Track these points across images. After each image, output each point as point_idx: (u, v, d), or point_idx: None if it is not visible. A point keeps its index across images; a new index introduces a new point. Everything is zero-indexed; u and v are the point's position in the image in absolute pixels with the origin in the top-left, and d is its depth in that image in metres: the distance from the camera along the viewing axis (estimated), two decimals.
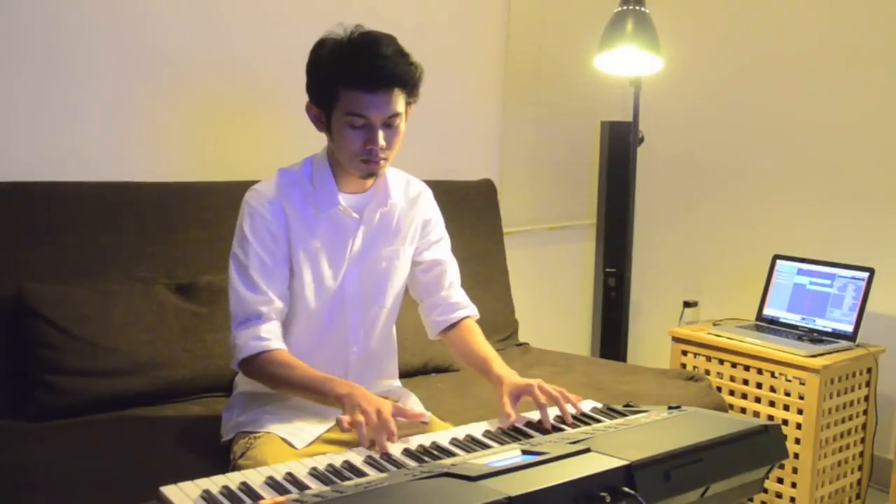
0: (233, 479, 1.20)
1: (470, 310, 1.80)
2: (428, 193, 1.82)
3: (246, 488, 1.18)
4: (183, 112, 2.37)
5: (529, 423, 1.52)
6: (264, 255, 1.60)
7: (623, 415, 1.52)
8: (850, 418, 2.61)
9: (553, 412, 1.56)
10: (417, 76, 1.57)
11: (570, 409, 1.52)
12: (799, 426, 2.49)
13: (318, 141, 1.69)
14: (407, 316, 1.86)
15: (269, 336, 1.57)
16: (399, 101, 1.56)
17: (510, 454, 1.23)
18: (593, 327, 3.24)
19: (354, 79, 1.51)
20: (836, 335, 2.63)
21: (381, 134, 1.54)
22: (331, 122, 1.57)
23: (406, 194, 1.76)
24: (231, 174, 2.29)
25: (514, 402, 1.54)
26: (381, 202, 1.69)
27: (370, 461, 1.31)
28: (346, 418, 1.39)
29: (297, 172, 1.67)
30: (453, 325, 1.78)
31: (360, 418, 1.37)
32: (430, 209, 1.81)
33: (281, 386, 1.58)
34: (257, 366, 1.57)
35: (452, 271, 1.82)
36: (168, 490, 1.17)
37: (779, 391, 2.56)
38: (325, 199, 1.64)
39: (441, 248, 1.82)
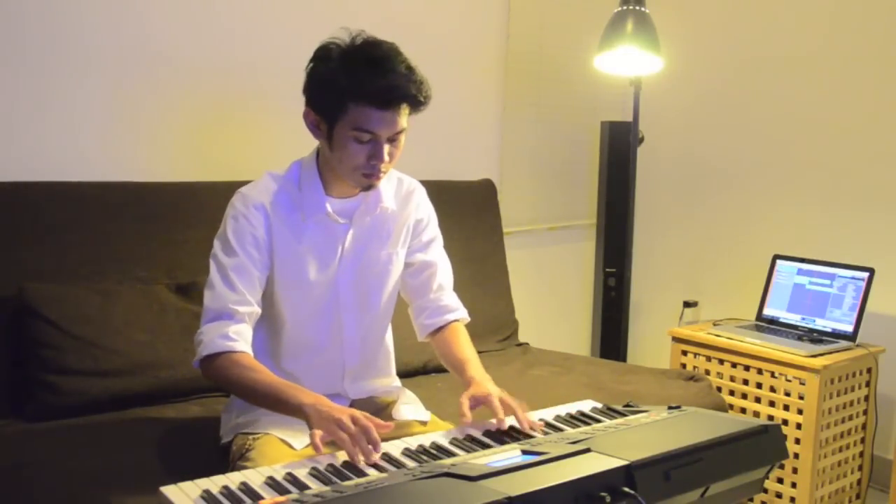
0: (233, 479, 1.21)
1: (459, 313, 1.78)
2: (420, 191, 1.79)
3: (246, 488, 1.18)
4: (183, 112, 2.37)
5: (488, 432, 1.47)
6: (245, 259, 1.58)
7: (623, 415, 1.52)
8: (850, 418, 2.61)
9: (551, 412, 1.56)
10: (428, 97, 1.54)
11: (517, 421, 1.48)
12: (799, 426, 2.49)
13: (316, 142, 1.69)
14: (407, 316, 1.86)
15: (237, 337, 1.52)
16: (405, 117, 1.53)
17: (510, 454, 1.23)
18: (593, 327, 3.24)
19: (367, 95, 1.47)
20: (836, 335, 2.62)
21: (385, 149, 1.52)
22: (332, 133, 1.53)
23: (398, 194, 1.73)
24: (231, 174, 2.28)
25: (472, 406, 1.51)
26: (371, 208, 1.67)
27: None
28: (318, 433, 1.32)
29: (284, 177, 1.65)
30: (441, 329, 1.76)
31: (343, 435, 1.31)
32: (422, 208, 1.78)
33: (241, 390, 1.53)
34: (218, 366, 1.51)
35: (443, 273, 1.80)
36: (168, 490, 1.17)
37: (779, 391, 2.56)
38: (312, 204, 1.62)
39: (432, 250, 1.79)
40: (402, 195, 1.75)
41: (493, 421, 1.48)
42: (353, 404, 1.74)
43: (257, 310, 1.59)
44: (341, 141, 1.52)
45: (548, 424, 1.50)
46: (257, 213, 1.59)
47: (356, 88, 1.47)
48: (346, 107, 1.49)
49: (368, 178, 1.56)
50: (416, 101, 1.52)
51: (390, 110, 1.49)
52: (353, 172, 1.55)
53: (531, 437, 1.43)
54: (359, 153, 1.52)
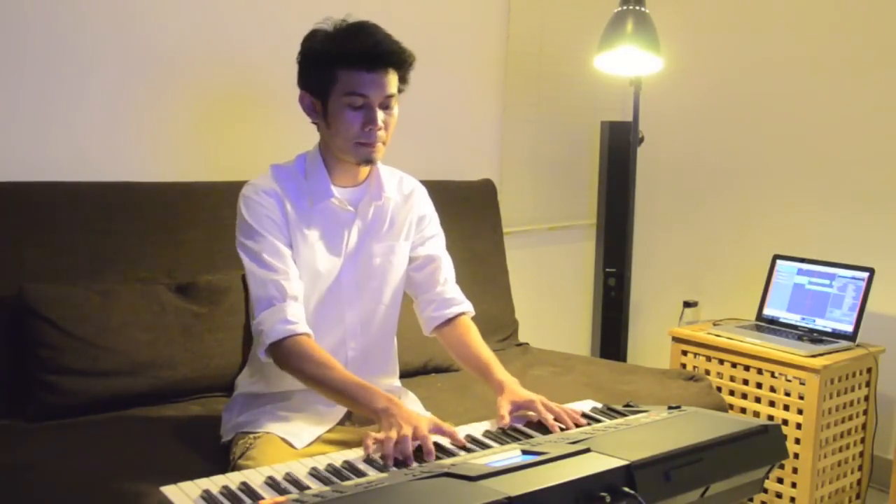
0: (233, 479, 1.21)
1: (465, 306, 1.79)
2: (421, 190, 1.82)
3: (246, 488, 1.18)
4: (183, 112, 2.37)
5: (529, 423, 1.51)
6: (272, 240, 1.60)
7: (623, 415, 1.52)
8: (850, 418, 2.61)
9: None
10: (411, 57, 1.60)
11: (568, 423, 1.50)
12: (799, 426, 2.49)
13: (317, 141, 1.70)
14: (407, 315, 1.85)
15: (296, 319, 1.55)
16: (394, 82, 1.58)
17: (510, 454, 1.23)
18: (593, 327, 3.24)
19: (354, 57, 1.53)
20: (836, 335, 2.63)
21: (379, 116, 1.57)
22: (327, 108, 1.58)
23: (400, 191, 1.76)
24: (231, 174, 2.28)
25: (512, 410, 1.53)
26: (375, 196, 1.70)
27: (370, 461, 1.31)
28: (375, 437, 1.34)
29: (289, 168, 1.68)
30: (448, 322, 1.77)
31: (392, 435, 1.33)
32: (424, 205, 1.81)
33: (314, 384, 1.53)
34: (286, 352, 1.53)
35: (447, 267, 1.82)
36: (168, 490, 1.17)
37: (779, 391, 2.56)
38: (318, 191, 1.65)
39: (435, 245, 1.81)
40: (404, 192, 1.77)
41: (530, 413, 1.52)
42: None
43: (300, 284, 1.61)
44: (336, 112, 1.57)
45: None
46: (269, 198, 1.62)
47: (344, 53, 1.54)
48: (336, 75, 1.55)
49: (366, 146, 1.59)
50: (401, 61, 1.58)
51: (378, 71, 1.55)
52: (349, 143, 1.59)
53: (531, 436, 1.43)
54: (354, 121, 1.56)
